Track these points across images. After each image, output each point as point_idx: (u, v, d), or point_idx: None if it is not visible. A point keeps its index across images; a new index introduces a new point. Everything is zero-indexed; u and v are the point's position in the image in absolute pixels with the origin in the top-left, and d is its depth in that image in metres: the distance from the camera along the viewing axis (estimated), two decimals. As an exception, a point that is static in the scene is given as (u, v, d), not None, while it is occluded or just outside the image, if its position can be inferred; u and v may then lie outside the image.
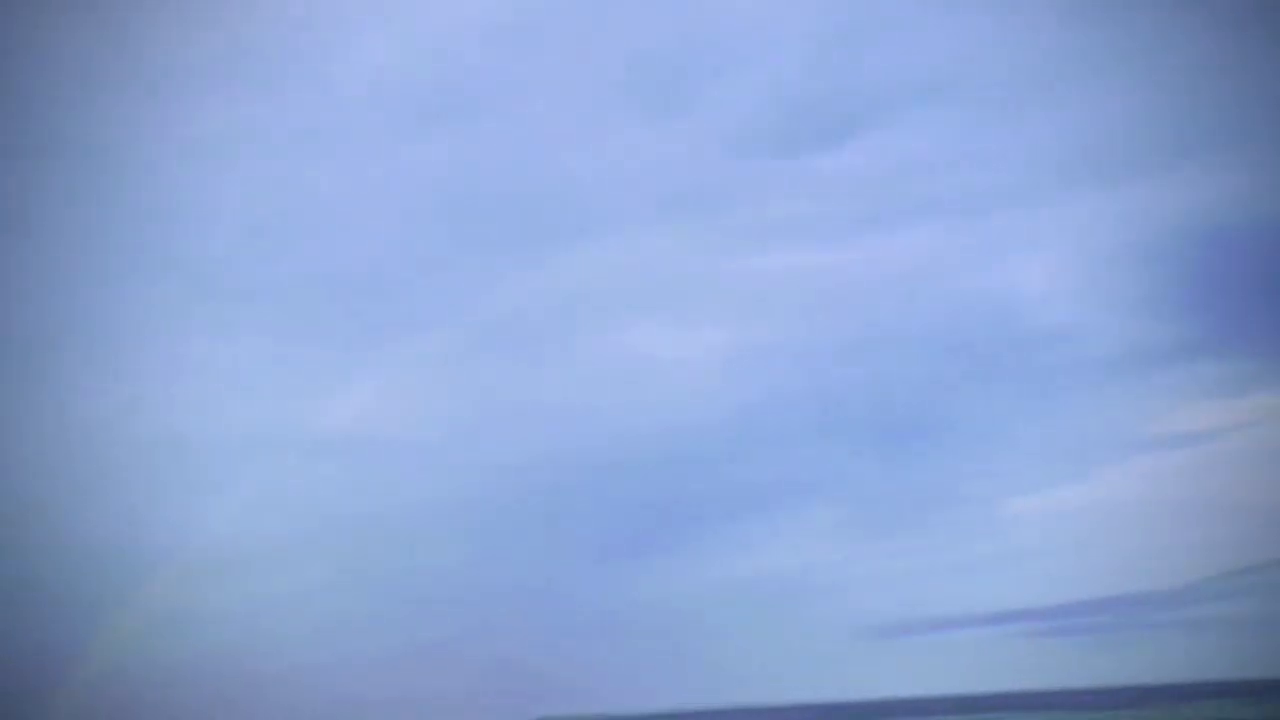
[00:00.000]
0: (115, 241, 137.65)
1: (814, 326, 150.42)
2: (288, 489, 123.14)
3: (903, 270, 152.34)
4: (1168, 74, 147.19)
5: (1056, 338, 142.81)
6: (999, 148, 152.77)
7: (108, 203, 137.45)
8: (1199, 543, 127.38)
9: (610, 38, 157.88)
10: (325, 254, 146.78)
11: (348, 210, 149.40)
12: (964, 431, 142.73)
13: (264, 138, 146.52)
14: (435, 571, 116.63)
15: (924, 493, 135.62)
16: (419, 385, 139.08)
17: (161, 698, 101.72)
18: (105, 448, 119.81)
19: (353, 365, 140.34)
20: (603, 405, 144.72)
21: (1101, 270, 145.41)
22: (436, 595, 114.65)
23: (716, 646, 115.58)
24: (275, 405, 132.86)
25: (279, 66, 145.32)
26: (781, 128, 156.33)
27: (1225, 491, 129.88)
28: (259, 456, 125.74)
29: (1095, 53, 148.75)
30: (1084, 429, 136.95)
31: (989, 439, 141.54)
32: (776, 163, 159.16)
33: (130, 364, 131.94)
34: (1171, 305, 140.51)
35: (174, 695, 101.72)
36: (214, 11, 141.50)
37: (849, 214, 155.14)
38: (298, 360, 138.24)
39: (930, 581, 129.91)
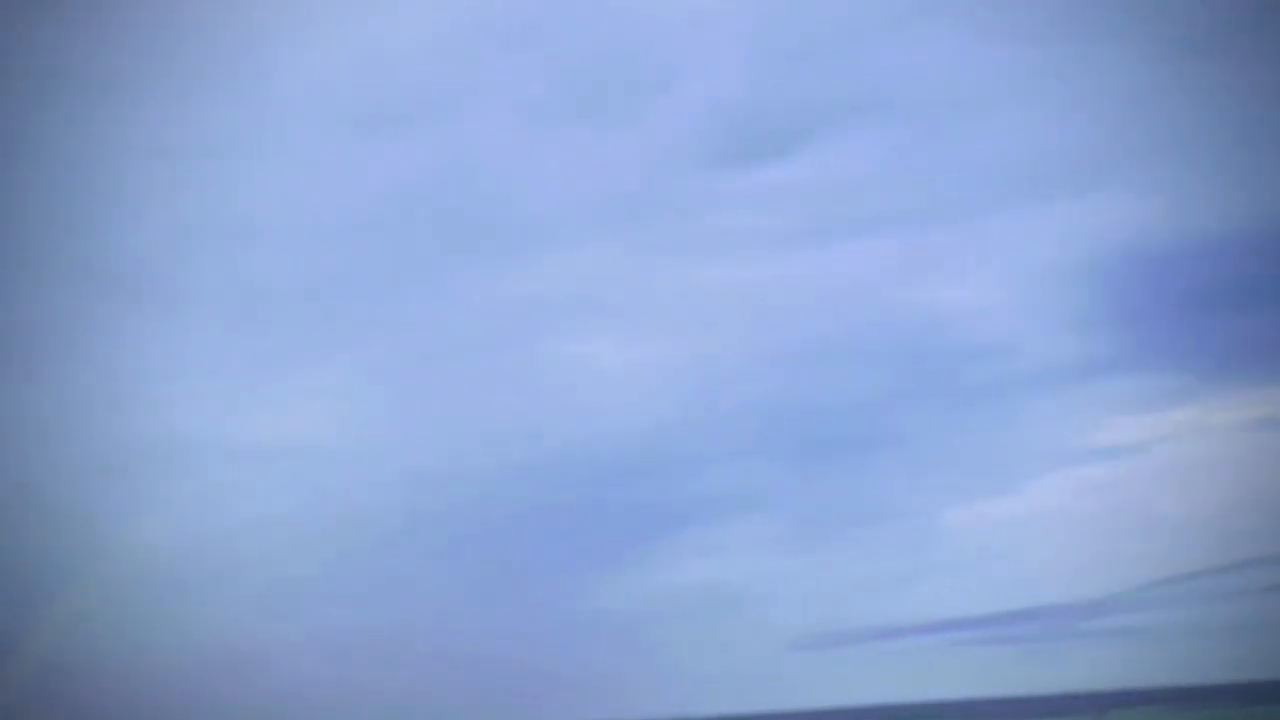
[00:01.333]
0: (49, 247, 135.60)
1: (755, 339, 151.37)
2: (228, 498, 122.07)
3: (842, 284, 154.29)
4: (1097, 96, 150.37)
5: (990, 352, 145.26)
6: (936, 165, 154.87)
7: (43, 206, 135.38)
8: (1125, 554, 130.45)
9: (557, 49, 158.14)
10: (267, 262, 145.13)
11: (290, 218, 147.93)
12: (900, 444, 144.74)
13: (205, 144, 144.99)
14: (378, 584, 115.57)
15: (861, 505, 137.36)
16: (362, 395, 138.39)
17: (86, 693, 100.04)
18: (38, 454, 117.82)
19: (294, 375, 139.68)
20: (545, 417, 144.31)
21: (1034, 286, 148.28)
22: (379, 608, 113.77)
23: (657, 658, 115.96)
24: (216, 414, 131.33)
25: (220, 72, 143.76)
26: (725, 141, 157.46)
27: (1150, 503, 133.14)
28: (197, 464, 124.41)
29: (1029, 74, 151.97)
30: (1015, 442, 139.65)
31: (925, 452, 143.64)
32: (719, 176, 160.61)
33: (64, 371, 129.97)
34: (1100, 321, 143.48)
35: (97, 692, 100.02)
36: (152, 15, 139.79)
37: (790, 228, 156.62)
38: (239, 369, 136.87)
39: (867, 592, 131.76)
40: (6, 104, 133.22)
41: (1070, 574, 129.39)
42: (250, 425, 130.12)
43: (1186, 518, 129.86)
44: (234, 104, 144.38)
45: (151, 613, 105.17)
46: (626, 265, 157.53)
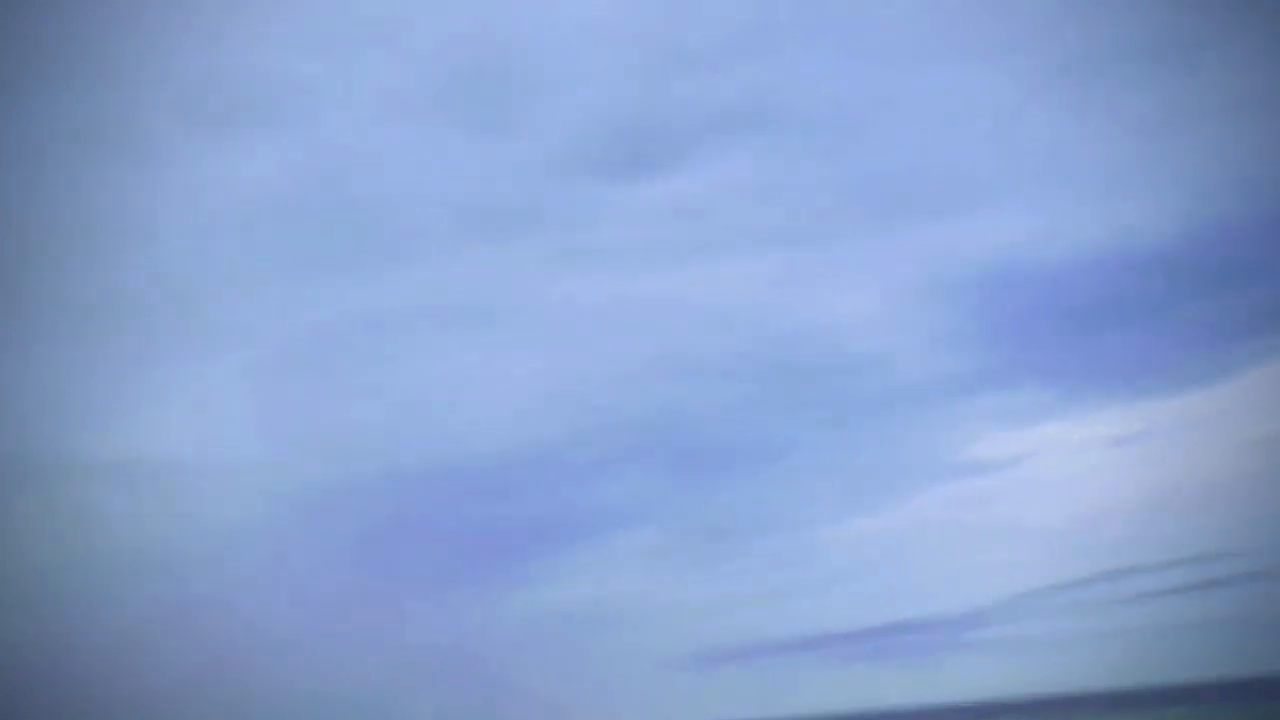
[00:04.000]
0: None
1: (633, 352, 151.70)
2: (84, 512, 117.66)
3: (721, 298, 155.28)
4: (971, 118, 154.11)
5: (867, 368, 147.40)
6: (815, 181, 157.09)
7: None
8: (997, 565, 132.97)
9: (433, 51, 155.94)
10: (122, 267, 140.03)
11: (149, 220, 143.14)
12: (778, 459, 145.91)
13: (72, 143, 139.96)
14: (240, 602, 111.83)
15: (739, 520, 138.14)
16: (223, 406, 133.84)
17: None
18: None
19: (149, 386, 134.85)
20: (414, 430, 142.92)
21: (909, 303, 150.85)
22: (242, 627, 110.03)
23: (531, 676, 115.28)
24: (69, 428, 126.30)
25: (88, 69, 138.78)
26: (604, 153, 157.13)
27: (1020, 516, 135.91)
28: (55, 477, 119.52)
29: (906, 95, 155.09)
30: (891, 457, 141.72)
31: (802, 467, 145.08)
32: (598, 187, 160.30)
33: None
34: (973, 338, 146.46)
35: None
36: (21, 10, 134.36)
37: (668, 240, 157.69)
38: (91, 380, 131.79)
39: (745, 608, 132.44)
40: None
41: (944, 587, 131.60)
42: (104, 440, 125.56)
43: (1055, 530, 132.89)
44: (90, 101, 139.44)
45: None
46: (501, 275, 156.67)
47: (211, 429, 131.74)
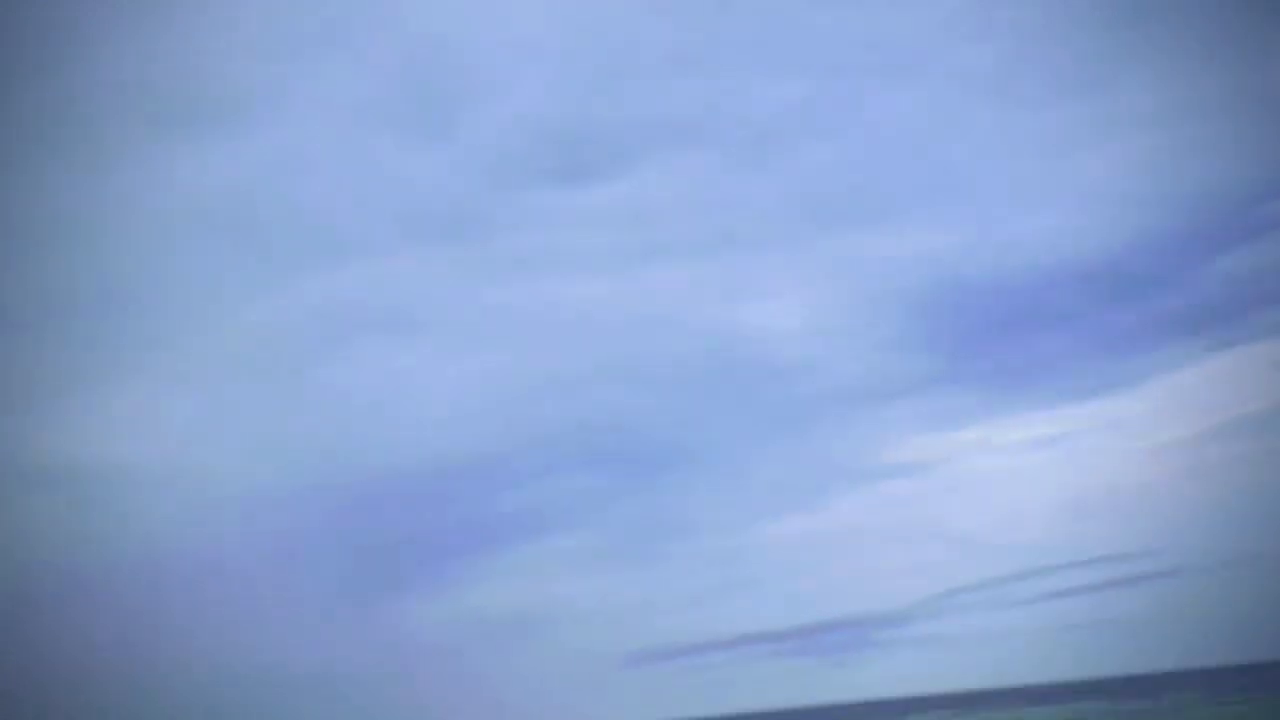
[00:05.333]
0: None
1: (566, 357, 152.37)
2: (24, 519, 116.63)
3: (655, 304, 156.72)
4: (901, 134, 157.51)
5: (795, 372, 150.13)
6: (750, 192, 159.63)
7: None
8: (922, 565, 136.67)
9: (371, 57, 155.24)
10: (63, 269, 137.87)
11: (88, 222, 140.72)
12: (709, 461, 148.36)
13: (17, 144, 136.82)
14: (171, 613, 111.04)
15: (672, 521, 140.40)
16: (161, 412, 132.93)
17: None
18: None
19: (88, 391, 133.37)
20: (351, 435, 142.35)
21: (837, 310, 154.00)
22: (173, 638, 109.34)
23: (469, 680, 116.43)
24: (14, 428, 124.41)
25: (31, 69, 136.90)
26: (542, 160, 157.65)
27: (944, 517, 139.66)
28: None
29: (838, 112, 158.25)
30: (819, 459, 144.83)
31: (733, 469, 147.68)
32: (536, 194, 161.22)
33: None
34: (898, 344, 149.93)
35: None
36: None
37: (605, 247, 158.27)
38: (39, 380, 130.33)
39: (677, 608, 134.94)
40: None
41: (871, 585, 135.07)
42: (45, 445, 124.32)
43: (977, 530, 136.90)
44: (34, 102, 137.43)
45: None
46: (441, 280, 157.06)
47: (151, 434, 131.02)
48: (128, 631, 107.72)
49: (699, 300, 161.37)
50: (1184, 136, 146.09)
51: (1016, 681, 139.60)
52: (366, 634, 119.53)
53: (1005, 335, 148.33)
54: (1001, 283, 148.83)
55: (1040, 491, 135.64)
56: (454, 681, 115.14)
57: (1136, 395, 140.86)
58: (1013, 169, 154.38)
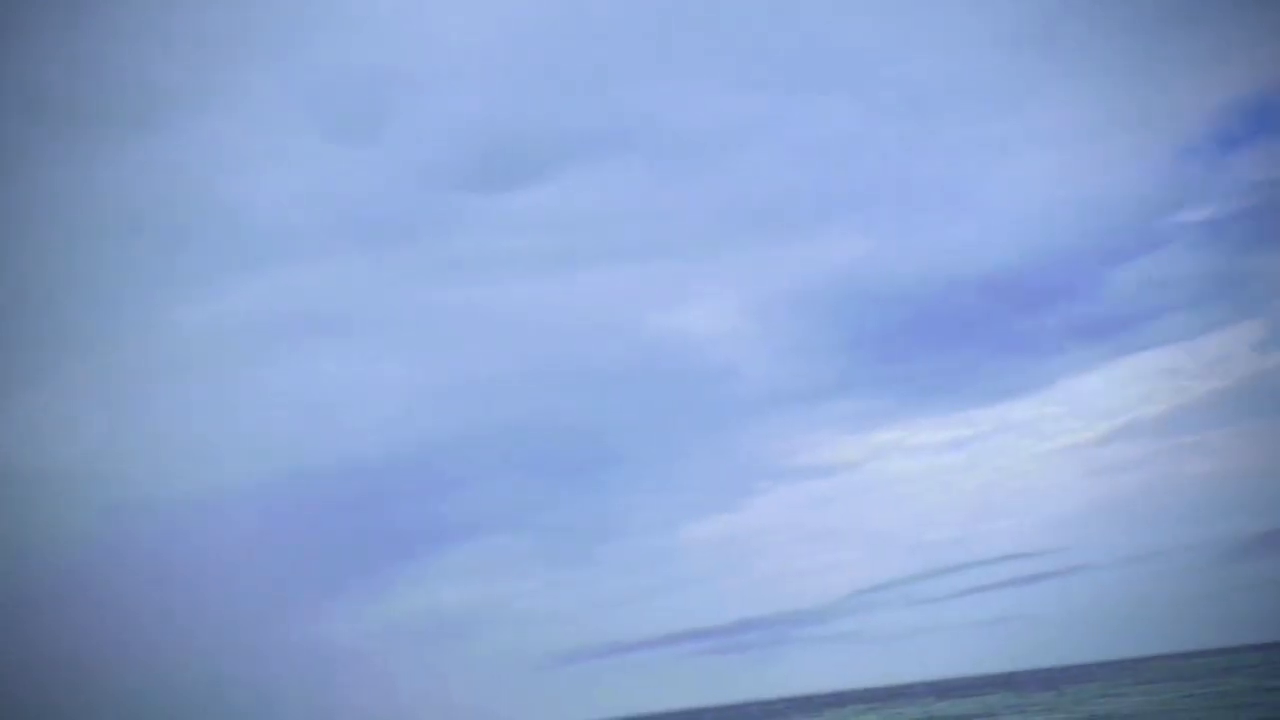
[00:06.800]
0: None
1: (497, 360, 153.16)
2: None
3: (583, 308, 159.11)
4: (824, 145, 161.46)
5: (721, 376, 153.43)
6: (676, 199, 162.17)
7: None
8: (840, 564, 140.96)
9: (306, 63, 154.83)
10: None
11: (15, 225, 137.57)
12: (638, 463, 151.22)
13: None
14: (100, 620, 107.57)
15: (602, 523, 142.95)
16: (80, 416, 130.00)
17: None
18: None
19: (10, 390, 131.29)
20: (283, 438, 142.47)
21: (762, 315, 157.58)
22: (103, 645, 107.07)
23: (403, 681, 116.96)
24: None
25: None
26: (473, 164, 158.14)
27: (861, 517, 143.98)
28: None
29: (763, 122, 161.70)
30: (743, 460, 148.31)
31: (661, 470, 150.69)
32: (466, 198, 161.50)
33: None
34: (820, 349, 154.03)
35: None
36: None
37: (534, 252, 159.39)
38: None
39: (603, 609, 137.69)
40: None
41: (789, 584, 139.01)
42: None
43: (892, 530, 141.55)
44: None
45: None
46: (370, 283, 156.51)
47: (68, 439, 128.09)
48: (41, 638, 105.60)
49: (626, 305, 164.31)
50: (1087, 154, 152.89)
51: (928, 676, 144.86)
52: (297, 637, 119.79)
53: (918, 341, 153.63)
54: (915, 290, 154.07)
55: (951, 492, 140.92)
56: (388, 683, 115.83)
57: (1041, 399, 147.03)
58: (927, 182, 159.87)
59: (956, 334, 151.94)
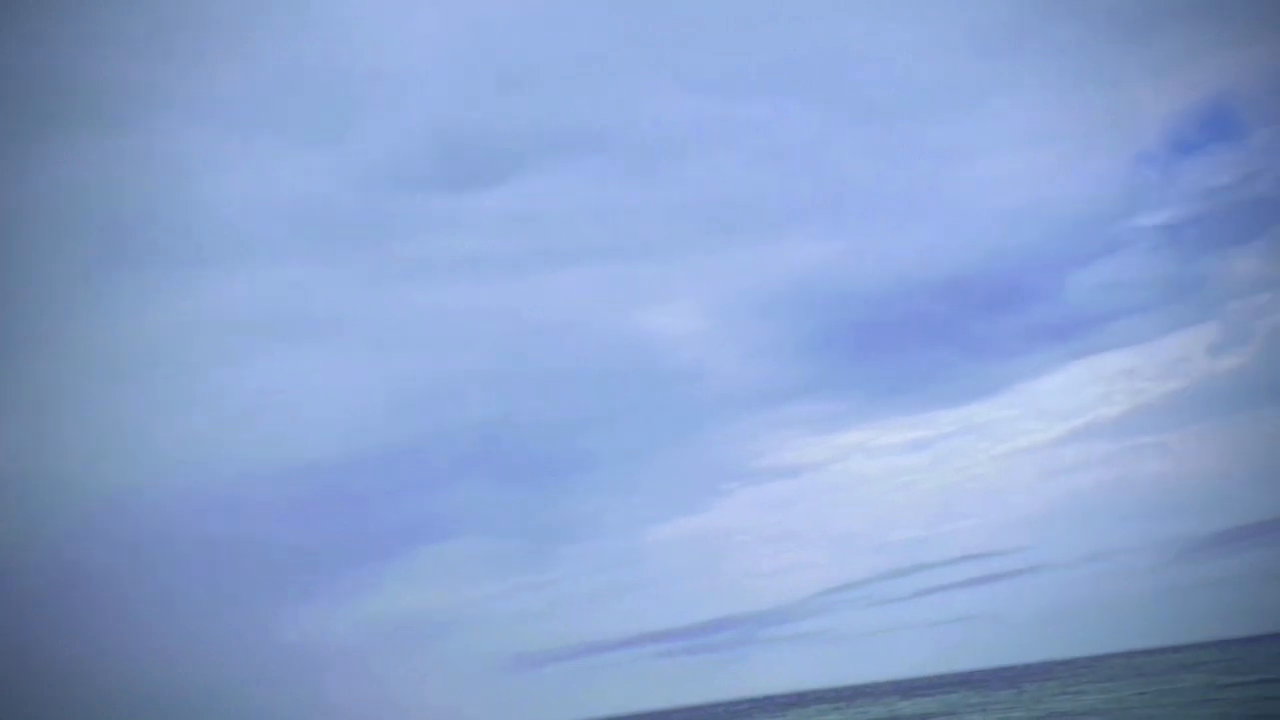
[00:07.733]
0: None
1: (463, 362, 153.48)
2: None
3: (550, 309, 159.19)
4: (788, 148, 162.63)
5: (686, 378, 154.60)
6: (642, 201, 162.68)
7: None
8: (804, 564, 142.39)
9: (269, 62, 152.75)
10: None
11: None
12: (603, 465, 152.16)
13: None
14: (72, 621, 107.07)
15: (567, 524, 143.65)
16: (29, 416, 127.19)
17: None
18: None
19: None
20: (248, 438, 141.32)
21: (726, 318, 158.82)
22: (76, 646, 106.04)
23: (368, 684, 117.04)
24: None
25: None
26: (437, 165, 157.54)
27: (825, 518, 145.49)
28: None
29: (728, 125, 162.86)
30: (709, 462, 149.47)
31: (626, 472, 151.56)
32: (430, 198, 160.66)
33: None
34: (784, 351, 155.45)
35: None
36: None
37: (500, 252, 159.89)
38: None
39: (570, 610, 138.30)
40: None
41: (755, 585, 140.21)
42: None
43: (855, 530, 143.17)
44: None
45: None
46: (334, 284, 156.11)
47: (15, 438, 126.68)
48: (18, 641, 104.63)
49: (593, 306, 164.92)
50: (1046, 158, 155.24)
51: (892, 675, 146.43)
52: (266, 638, 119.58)
53: (882, 343, 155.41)
54: (878, 293, 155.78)
55: (913, 492, 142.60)
56: (353, 686, 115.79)
57: (1002, 400, 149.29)
58: (891, 185, 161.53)
59: (919, 336, 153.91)
